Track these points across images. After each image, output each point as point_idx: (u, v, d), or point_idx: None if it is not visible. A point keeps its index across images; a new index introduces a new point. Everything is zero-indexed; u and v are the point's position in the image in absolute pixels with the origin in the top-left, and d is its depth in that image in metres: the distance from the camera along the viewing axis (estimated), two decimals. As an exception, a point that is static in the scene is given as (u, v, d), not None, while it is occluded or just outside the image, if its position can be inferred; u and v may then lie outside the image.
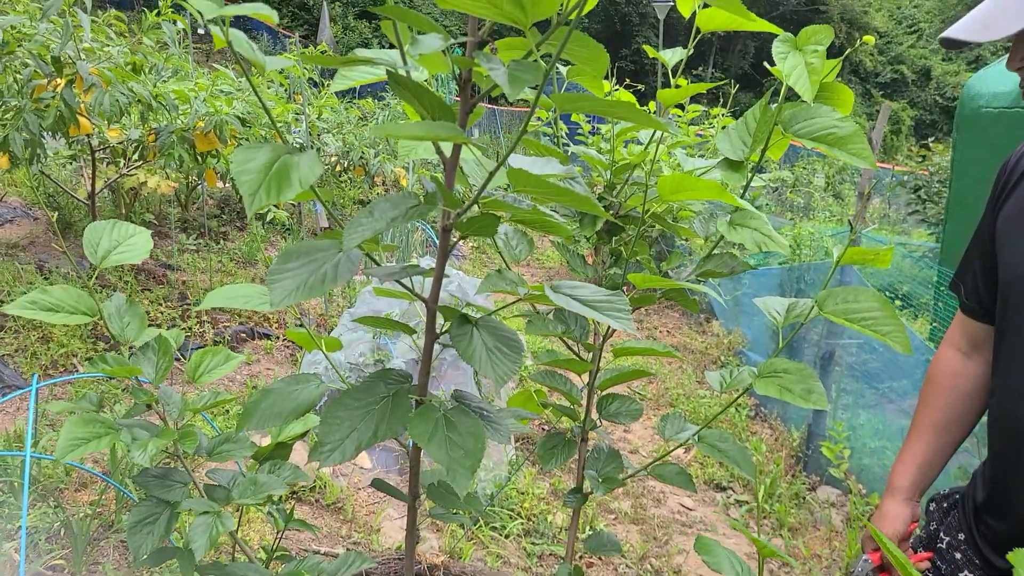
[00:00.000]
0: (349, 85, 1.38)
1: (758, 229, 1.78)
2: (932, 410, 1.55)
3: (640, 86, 3.36)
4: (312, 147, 6.71)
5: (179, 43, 3.84)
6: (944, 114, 32.31)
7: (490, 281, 1.54)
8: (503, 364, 1.25)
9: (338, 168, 8.06)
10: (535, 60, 1.11)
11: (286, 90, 5.99)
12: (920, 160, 10.06)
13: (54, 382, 2.27)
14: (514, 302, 1.40)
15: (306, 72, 7.28)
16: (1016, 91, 4.90)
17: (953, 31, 1.31)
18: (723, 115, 7.14)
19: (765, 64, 1.66)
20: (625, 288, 1.87)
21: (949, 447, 1.54)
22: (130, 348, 1.47)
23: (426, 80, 1.24)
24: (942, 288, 4.78)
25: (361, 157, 7.68)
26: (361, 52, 1.39)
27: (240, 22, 23.38)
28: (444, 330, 1.35)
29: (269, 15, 1.05)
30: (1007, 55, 1.37)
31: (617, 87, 2.57)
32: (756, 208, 1.84)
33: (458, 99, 1.23)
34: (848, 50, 1.95)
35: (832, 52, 1.78)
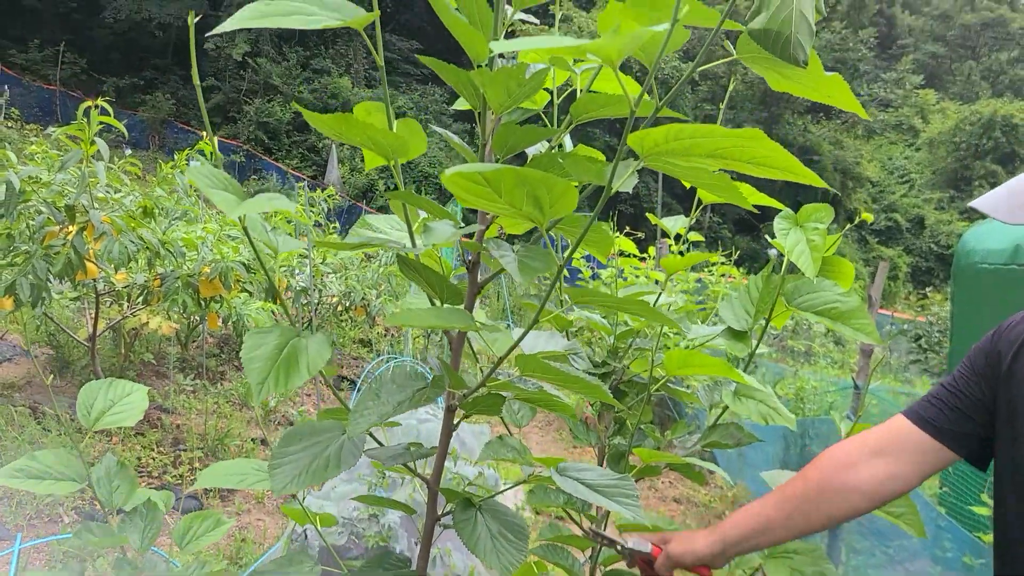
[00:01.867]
0: (363, 245, 1.39)
1: (764, 402, 1.75)
2: (806, 484, 1.44)
3: (640, 233, 3.43)
4: (315, 291, 6.77)
5: (190, 192, 3.96)
6: (940, 262, 32.88)
7: (491, 449, 1.50)
8: (508, 553, 1.20)
9: (339, 308, 8.11)
10: (544, 243, 1.12)
11: (291, 234, 6.12)
12: (919, 309, 10.14)
13: (38, 542, 2.20)
14: (518, 483, 1.36)
15: (312, 216, 7.43)
16: (1011, 248, 4.99)
17: (982, 204, 1.33)
18: (722, 262, 7.26)
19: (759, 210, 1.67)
20: (630, 456, 1.84)
21: (796, 529, 1.42)
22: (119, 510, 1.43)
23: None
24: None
25: (363, 298, 7.75)
26: (370, 226, 1.41)
27: (251, 162, 24.18)
28: (446, 511, 1.31)
29: (288, 209, 1.06)
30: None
31: (618, 234, 2.61)
32: (757, 355, 1.83)
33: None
34: (847, 226, 1.99)
35: (827, 201, 1.82)
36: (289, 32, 26.75)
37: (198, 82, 1.12)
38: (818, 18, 1.07)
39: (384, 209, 23.57)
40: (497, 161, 1.21)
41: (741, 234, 30.09)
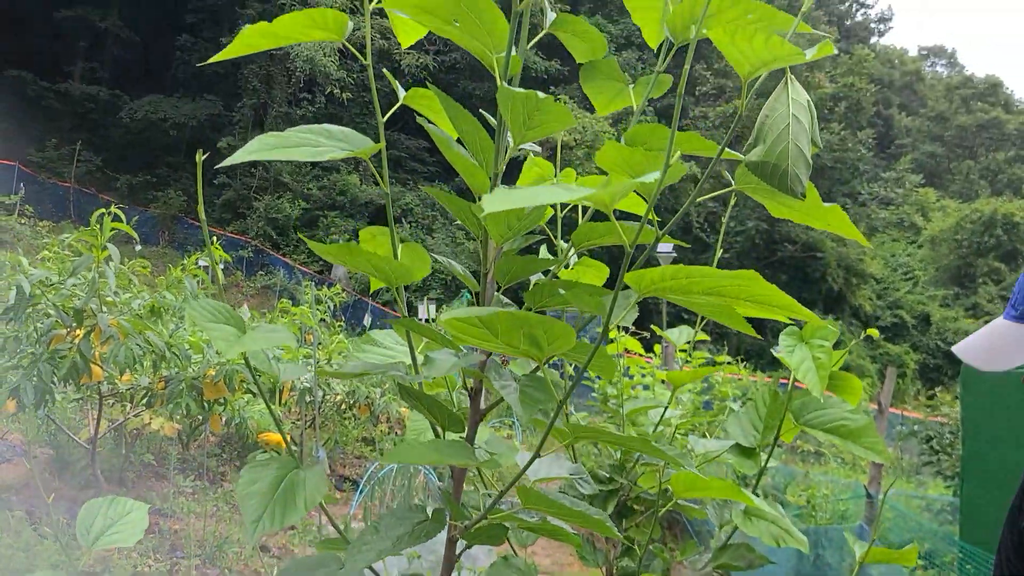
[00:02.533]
0: (363, 373, 1.38)
1: (775, 523, 1.71)
2: None
3: (645, 333, 3.40)
4: (319, 391, 6.72)
5: (198, 293, 4.00)
6: (947, 359, 32.64)
7: (495, 570, 1.45)
8: None
9: (343, 406, 8.04)
10: (546, 377, 1.11)
11: (296, 336, 6.14)
12: (929, 409, 10.02)
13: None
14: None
15: (318, 314, 7.45)
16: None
17: (962, 352, 1.34)
18: (728, 362, 7.23)
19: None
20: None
21: None
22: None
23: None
24: (966, 548, 4.59)
25: (367, 397, 7.69)
26: (374, 341, 1.41)
27: (259, 257, 24.43)
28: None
29: (288, 342, 1.06)
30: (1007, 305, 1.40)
31: (623, 334, 2.60)
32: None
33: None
34: (851, 342, 1.98)
35: (832, 297, 1.82)
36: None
37: (204, 217, 1.13)
38: (815, 151, 1.09)
39: (389, 304, 23.68)
40: (499, 288, 1.22)
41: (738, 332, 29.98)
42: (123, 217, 3.51)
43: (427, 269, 1.24)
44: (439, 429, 1.23)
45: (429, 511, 1.14)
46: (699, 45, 1.05)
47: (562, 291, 1.08)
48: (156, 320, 4.11)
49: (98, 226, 3.45)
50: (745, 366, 9.71)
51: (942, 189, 48.04)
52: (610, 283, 1.10)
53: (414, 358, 1.22)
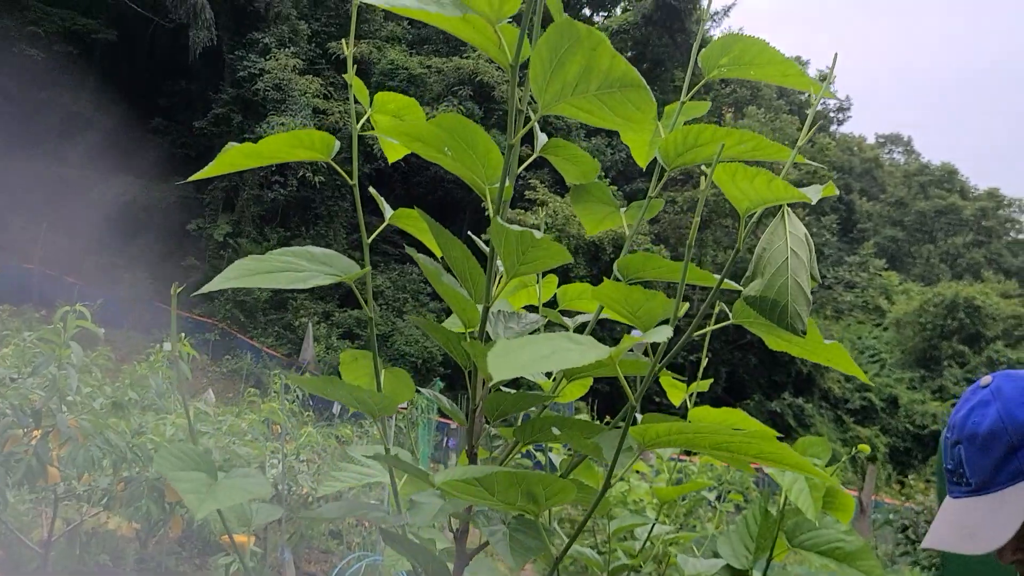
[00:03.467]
0: (339, 487, 1.31)
1: (770, 655, 1.64)
2: None
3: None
4: (287, 486, 6.52)
5: (164, 394, 3.88)
6: (916, 442, 32.80)
7: None
8: None
9: (309, 500, 7.81)
10: (539, 523, 1.05)
11: (263, 433, 5.98)
12: (903, 498, 9.97)
13: None
14: None
15: (287, 405, 7.30)
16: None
17: (933, 543, 1.25)
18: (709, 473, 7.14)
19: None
20: None
21: None
22: None
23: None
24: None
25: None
26: (353, 461, 1.33)
27: (225, 340, 24.08)
28: None
29: (263, 491, 0.99)
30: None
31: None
32: None
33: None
34: (844, 457, 1.94)
35: (801, 379, 1.77)
36: (271, 213, 27.47)
37: (180, 359, 1.07)
38: (813, 285, 1.06)
39: (359, 388, 23.26)
40: (487, 421, 1.16)
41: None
42: (88, 315, 3.42)
43: (410, 393, 1.19)
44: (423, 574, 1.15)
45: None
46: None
47: (555, 430, 1.02)
48: (119, 417, 3.97)
49: (61, 324, 3.36)
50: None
51: (904, 272, 49.05)
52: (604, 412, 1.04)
53: (396, 497, 1.15)
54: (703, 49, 1.02)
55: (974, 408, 1.21)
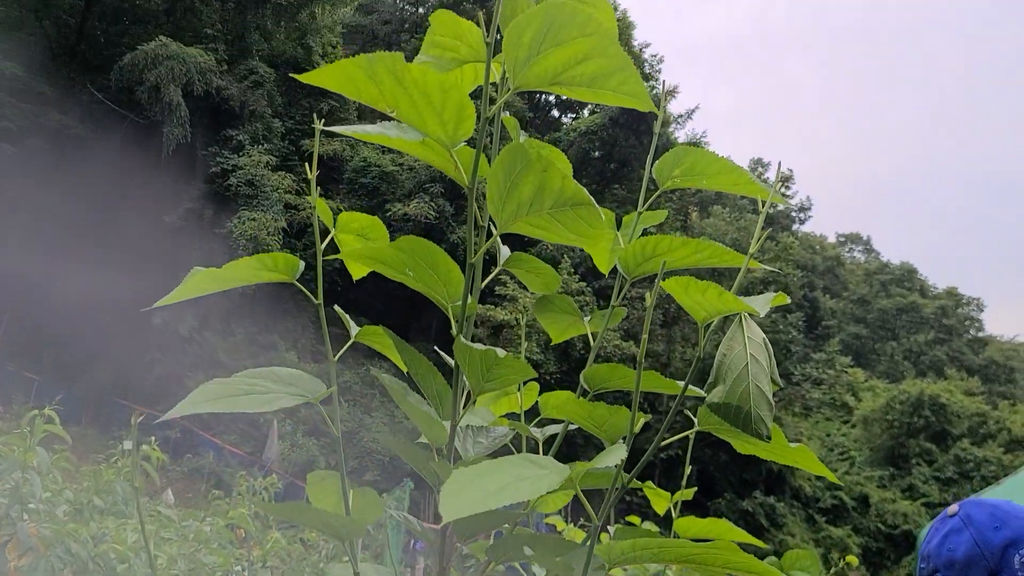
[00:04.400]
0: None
1: None
2: None
3: None
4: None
5: (129, 501, 3.76)
6: (889, 542, 32.49)
7: None
8: None
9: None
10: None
11: (229, 540, 5.77)
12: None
13: None
14: None
15: (252, 507, 7.08)
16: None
17: None
18: None
19: None
20: None
21: None
22: None
23: None
24: None
25: (297, 595, 7.20)
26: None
27: (187, 437, 23.50)
28: None
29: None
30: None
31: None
32: None
33: None
34: (831, 571, 1.91)
35: (772, 477, 1.73)
36: (238, 308, 27.28)
37: (139, 487, 1.04)
38: (775, 388, 1.06)
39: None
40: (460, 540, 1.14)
41: (688, 510, 29.58)
42: (56, 418, 3.34)
43: (380, 513, 1.16)
44: None
45: None
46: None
47: (527, 549, 1.00)
48: (79, 523, 3.81)
49: (28, 428, 3.26)
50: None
51: (869, 369, 49.60)
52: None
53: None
54: (656, 161, 1.05)
55: (947, 536, 1.25)
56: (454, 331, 0.98)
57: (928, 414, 35.72)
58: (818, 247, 61.70)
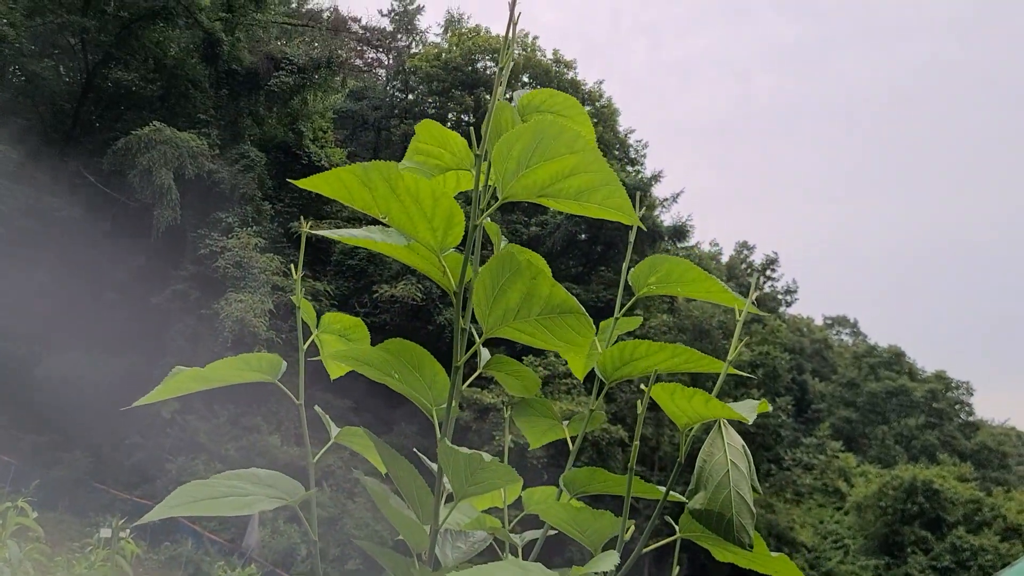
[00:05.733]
0: None
1: None
2: None
3: None
4: None
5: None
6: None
7: None
8: None
9: None
10: None
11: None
12: None
13: None
14: None
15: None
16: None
17: None
18: None
19: None
20: None
21: None
22: None
23: None
24: None
25: None
26: None
27: (165, 524, 22.92)
28: None
29: None
30: None
31: None
32: None
33: None
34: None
35: None
36: (221, 390, 26.84)
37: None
38: (756, 496, 1.06)
39: (305, 577, 22.12)
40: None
41: None
42: (29, 511, 3.27)
43: None
44: None
45: None
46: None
47: None
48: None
49: (0, 521, 3.20)
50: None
51: (861, 454, 49.16)
52: None
53: None
54: (632, 269, 1.07)
55: None
56: (438, 435, 0.98)
57: (922, 500, 35.28)
58: (805, 329, 61.89)
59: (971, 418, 55.26)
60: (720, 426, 1.06)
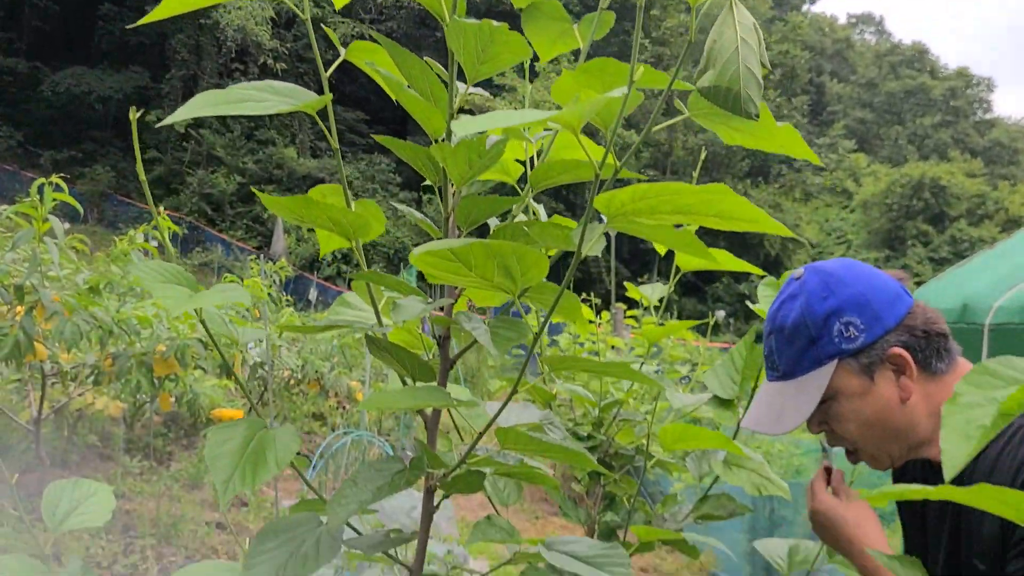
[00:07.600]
0: (330, 328, 1.34)
1: (756, 471, 1.74)
2: None
3: (596, 300, 3.36)
4: (271, 365, 6.65)
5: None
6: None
7: (480, 530, 1.44)
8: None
9: (291, 382, 7.95)
10: (517, 312, 1.10)
11: (248, 310, 6.02)
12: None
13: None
14: (504, 564, 1.32)
15: (266, 288, 7.35)
16: (959, 307, 5.10)
17: (750, 424, 1.36)
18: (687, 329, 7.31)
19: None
20: (625, 534, 1.79)
21: None
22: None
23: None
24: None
25: (316, 371, 7.61)
26: (349, 304, 1.37)
27: (194, 233, 23.82)
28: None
29: (243, 300, 1.04)
30: None
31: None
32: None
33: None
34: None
35: (769, 261, 1.85)
36: (234, 105, 26.70)
37: (144, 178, 1.10)
38: (764, 72, 1.09)
39: (331, 279, 23.33)
40: (460, 234, 1.20)
41: (687, 296, 30.52)
42: (64, 187, 3.39)
43: (382, 226, 1.20)
44: (409, 380, 1.22)
45: (406, 461, 1.14)
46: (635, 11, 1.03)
47: (527, 228, 1.05)
48: (100, 296, 3.97)
49: (38, 197, 3.33)
50: (691, 334, 9.86)
51: (872, 154, 49.19)
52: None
53: (377, 312, 1.21)
54: None
55: (784, 302, 1.28)
56: (447, 17, 0.99)
57: (928, 196, 35.79)
58: (827, 28, 59.33)
59: (988, 115, 54.45)
60: (731, 5, 1.04)
